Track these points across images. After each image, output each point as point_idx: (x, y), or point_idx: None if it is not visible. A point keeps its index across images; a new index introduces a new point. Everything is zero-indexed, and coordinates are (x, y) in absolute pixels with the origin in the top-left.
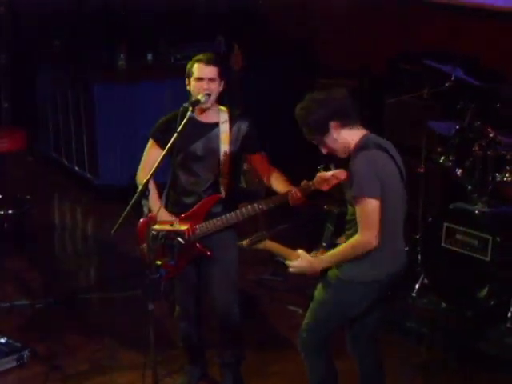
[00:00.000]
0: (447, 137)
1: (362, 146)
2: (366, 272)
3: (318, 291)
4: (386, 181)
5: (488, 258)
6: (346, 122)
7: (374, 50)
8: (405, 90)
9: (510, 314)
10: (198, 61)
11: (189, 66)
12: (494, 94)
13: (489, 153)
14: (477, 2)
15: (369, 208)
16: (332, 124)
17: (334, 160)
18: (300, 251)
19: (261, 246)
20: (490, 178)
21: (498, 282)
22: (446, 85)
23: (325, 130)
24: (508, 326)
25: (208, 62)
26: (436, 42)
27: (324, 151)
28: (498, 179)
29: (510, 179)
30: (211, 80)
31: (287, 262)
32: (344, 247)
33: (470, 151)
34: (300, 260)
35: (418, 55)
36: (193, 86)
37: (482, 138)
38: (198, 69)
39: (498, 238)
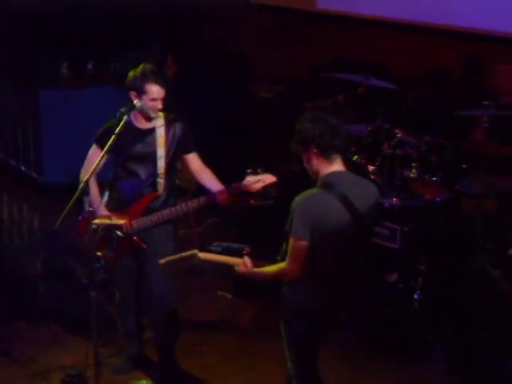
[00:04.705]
0: (360, 137)
1: (321, 182)
2: (303, 303)
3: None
4: (321, 225)
5: (397, 246)
6: (325, 154)
7: (298, 60)
8: (323, 95)
9: (416, 296)
10: (155, 82)
11: (138, 76)
12: (401, 99)
13: (397, 151)
14: (385, 16)
15: (296, 246)
16: (312, 147)
17: (262, 165)
18: (245, 258)
19: (193, 260)
20: (398, 174)
21: (405, 267)
22: (359, 91)
23: (305, 148)
24: (415, 306)
25: (163, 85)
26: (351, 52)
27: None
28: (406, 175)
29: (416, 175)
30: (163, 100)
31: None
32: (274, 269)
33: (380, 150)
34: (242, 266)
35: (335, 64)
36: (149, 104)
37: (390, 138)
38: (155, 91)
39: (405, 228)
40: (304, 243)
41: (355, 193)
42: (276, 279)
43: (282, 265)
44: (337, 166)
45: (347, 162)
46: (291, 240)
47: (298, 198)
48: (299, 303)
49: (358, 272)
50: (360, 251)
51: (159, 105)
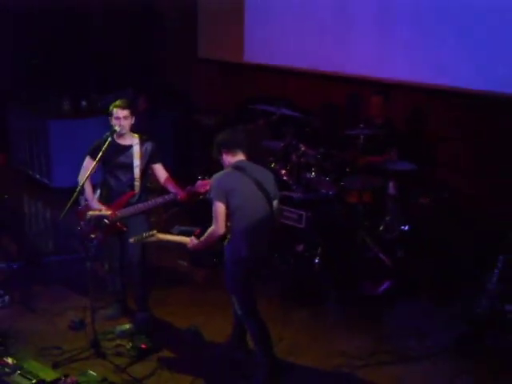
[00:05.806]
0: (276, 150)
1: (231, 166)
2: (236, 254)
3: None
4: (233, 193)
5: (303, 226)
6: (232, 152)
7: (229, 96)
8: (249, 121)
9: (316, 261)
10: (116, 106)
11: (111, 108)
12: (304, 123)
13: (301, 160)
14: (292, 65)
15: (215, 207)
16: (223, 150)
17: (209, 173)
18: (192, 238)
19: (153, 239)
20: (303, 176)
21: (309, 241)
22: (274, 118)
23: (219, 152)
24: (316, 268)
25: (123, 107)
26: (269, 90)
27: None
28: (308, 176)
29: (314, 176)
30: (125, 118)
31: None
32: (206, 233)
33: (290, 159)
34: (190, 242)
35: (257, 99)
36: (113, 121)
37: (297, 151)
38: (116, 111)
39: (308, 213)
40: (221, 205)
41: (256, 172)
42: (211, 240)
43: (210, 227)
44: (241, 157)
45: (266, 168)
46: (213, 203)
47: (215, 175)
48: (235, 257)
49: (270, 233)
50: (269, 215)
51: (122, 122)
